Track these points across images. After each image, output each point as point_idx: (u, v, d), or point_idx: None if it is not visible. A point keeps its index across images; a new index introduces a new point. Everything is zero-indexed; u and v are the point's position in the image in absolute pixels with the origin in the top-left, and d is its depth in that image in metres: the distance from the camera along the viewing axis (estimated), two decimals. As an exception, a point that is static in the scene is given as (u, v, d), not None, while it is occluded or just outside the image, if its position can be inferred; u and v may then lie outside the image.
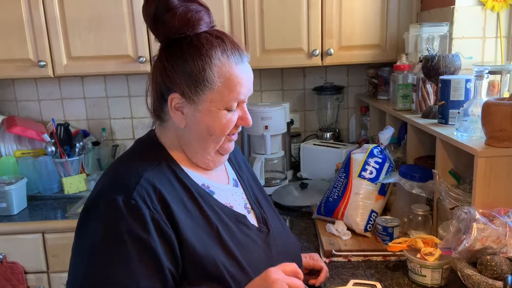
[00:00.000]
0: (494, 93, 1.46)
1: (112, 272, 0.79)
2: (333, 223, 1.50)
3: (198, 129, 0.92)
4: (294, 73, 2.38)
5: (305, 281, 1.13)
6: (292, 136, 2.31)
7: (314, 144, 2.14)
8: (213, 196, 0.96)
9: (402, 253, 1.22)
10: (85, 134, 2.28)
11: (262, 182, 1.95)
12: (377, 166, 1.52)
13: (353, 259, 1.34)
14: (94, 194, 0.88)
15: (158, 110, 0.96)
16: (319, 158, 2.08)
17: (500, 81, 1.48)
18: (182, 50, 0.89)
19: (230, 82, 0.89)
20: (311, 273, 1.18)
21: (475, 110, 1.21)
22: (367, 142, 2.00)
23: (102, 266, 0.80)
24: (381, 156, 1.54)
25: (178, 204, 0.88)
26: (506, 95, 1.39)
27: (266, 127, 1.96)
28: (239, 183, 1.08)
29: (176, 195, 0.89)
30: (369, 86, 2.19)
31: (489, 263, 1.01)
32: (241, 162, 1.16)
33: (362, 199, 1.49)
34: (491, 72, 1.34)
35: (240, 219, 0.97)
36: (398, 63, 1.74)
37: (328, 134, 2.33)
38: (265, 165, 1.97)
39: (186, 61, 0.88)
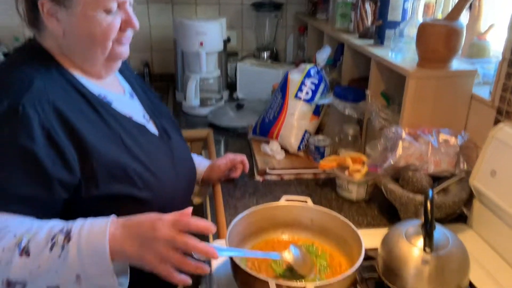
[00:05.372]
0: (428, 15, 1.47)
1: None
2: (268, 143, 1.52)
3: (78, 36, 0.84)
4: (231, -15, 2.23)
5: (227, 177, 1.31)
6: (228, 55, 2.23)
7: (251, 64, 2.08)
8: (111, 106, 0.92)
9: (331, 171, 1.26)
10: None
11: (197, 102, 1.89)
12: (313, 87, 1.51)
13: (286, 177, 1.37)
14: None
15: (33, 19, 0.86)
16: (256, 79, 2.04)
17: (435, 3, 1.49)
18: None
19: None
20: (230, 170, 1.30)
21: (411, 30, 1.21)
22: (304, 63, 1.98)
23: None
24: (317, 76, 1.53)
25: (77, 113, 0.83)
26: (439, 17, 1.40)
27: (201, 43, 1.85)
28: (134, 95, 1.05)
29: (73, 104, 0.83)
30: (309, 4, 2.13)
31: (411, 179, 1.08)
32: (131, 75, 1.11)
33: (297, 119, 1.49)
34: (428, -7, 1.33)
35: (140, 128, 0.96)
36: (339, -20, 1.67)
37: (265, 53, 2.27)
38: (200, 84, 1.90)
39: None
